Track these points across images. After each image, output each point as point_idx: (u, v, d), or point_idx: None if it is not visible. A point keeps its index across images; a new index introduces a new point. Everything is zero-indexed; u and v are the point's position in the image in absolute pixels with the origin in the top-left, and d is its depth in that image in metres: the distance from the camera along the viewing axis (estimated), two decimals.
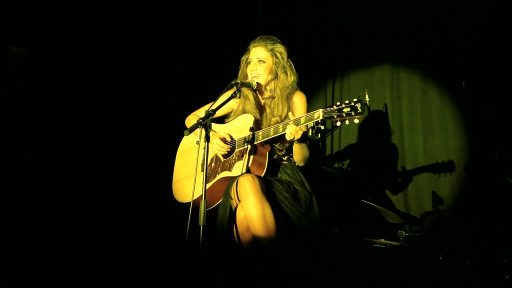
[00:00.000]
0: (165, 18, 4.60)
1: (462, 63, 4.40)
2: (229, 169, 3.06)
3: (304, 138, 2.90)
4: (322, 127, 4.60)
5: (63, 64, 4.12)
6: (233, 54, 3.38)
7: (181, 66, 4.64)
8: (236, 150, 3.08)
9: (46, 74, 4.07)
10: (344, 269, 3.31)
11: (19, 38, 3.92)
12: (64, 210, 3.91)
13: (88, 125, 4.17)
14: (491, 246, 3.51)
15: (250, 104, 3.18)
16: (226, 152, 3.10)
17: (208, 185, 3.08)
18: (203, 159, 2.66)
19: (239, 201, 2.83)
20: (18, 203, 3.75)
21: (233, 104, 3.25)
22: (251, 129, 3.01)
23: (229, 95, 2.96)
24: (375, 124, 4.81)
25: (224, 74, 3.33)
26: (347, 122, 2.67)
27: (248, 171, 2.94)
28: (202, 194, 2.57)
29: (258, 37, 3.22)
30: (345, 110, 2.62)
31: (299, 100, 3.16)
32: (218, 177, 3.10)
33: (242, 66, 3.27)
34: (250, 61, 3.18)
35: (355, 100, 2.62)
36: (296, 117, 2.83)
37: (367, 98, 2.63)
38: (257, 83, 3.13)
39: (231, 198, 2.88)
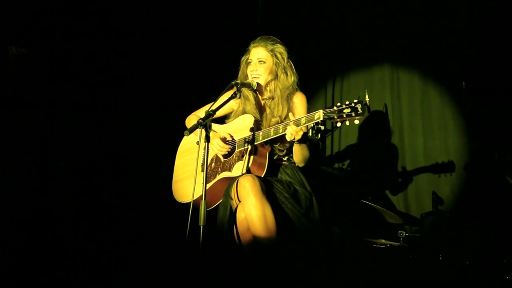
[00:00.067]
0: (165, 18, 4.60)
1: (462, 63, 4.39)
2: (229, 170, 3.06)
3: (304, 139, 2.90)
4: (322, 128, 4.60)
5: (63, 64, 4.11)
6: (234, 54, 3.38)
7: (181, 66, 4.64)
8: (236, 150, 3.08)
9: (46, 74, 4.07)
10: (344, 269, 3.32)
11: (19, 38, 3.92)
12: (64, 210, 3.91)
13: (88, 125, 4.16)
14: (491, 246, 3.51)
15: (250, 105, 3.18)
16: (226, 152, 3.10)
17: (208, 185, 3.07)
18: (203, 159, 2.66)
19: (239, 201, 2.83)
20: (18, 203, 3.75)
21: (233, 104, 3.25)
22: (251, 130, 3.01)
23: (229, 96, 2.96)
24: (375, 124, 4.81)
25: (224, 74, 3.33)
26: (347, 122, 2.67)
27: (248, 171, 2.94)
28: (202, 195, 2.57)
29: (258, 38, 3.21)
30: (345, 111, 2.62)
31: (299, 100, 3.16)
32: (218, 177, 3.10)
33: (242, 66, 3.27)
34: (250, 62, 3.18)
35: (355, 101, 2.62)
36: (297, 118, 2.83)
37: (367, 98, 2.63)
38: (257, 83, 3.13)
39: (231, 199, 2.88)
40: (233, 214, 2.89)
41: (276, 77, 3.17)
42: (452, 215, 3.79)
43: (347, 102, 2.63)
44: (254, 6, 4.97)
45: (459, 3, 4.40)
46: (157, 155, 4.04)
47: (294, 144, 2.95)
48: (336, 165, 4.86)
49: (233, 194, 2.86)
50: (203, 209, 2.52)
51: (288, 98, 3.14)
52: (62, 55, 4.11)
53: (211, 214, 2.98)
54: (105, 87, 4.24)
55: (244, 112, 3.17)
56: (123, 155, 4.25)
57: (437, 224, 3.72)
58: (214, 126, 3.24)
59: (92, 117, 4.19)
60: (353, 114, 2.61)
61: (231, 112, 3.28)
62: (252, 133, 2.99)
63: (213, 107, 2.81)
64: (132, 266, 3.53)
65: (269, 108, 3.15)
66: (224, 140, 3.12)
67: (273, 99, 3.16)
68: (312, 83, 5.05)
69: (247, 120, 3.07)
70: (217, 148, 3.08)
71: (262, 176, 2.95)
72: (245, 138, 3.02)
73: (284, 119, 3.03)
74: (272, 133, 2.91)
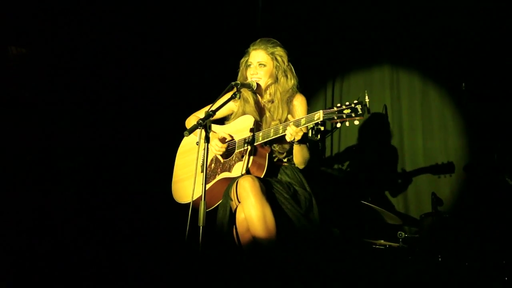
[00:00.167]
0: (165, 18, 4.60)
1: (462, 64, 4.39)
2: (229, 170, 3.06)
3: (304, 140, 2.91)
4: (322, 128, 4.60)
5: (63, 64, 4.11)
6: (234, 55, 3.38)
7: (181, 67, 4.64)
8: (236, 151, 3.08)
9: (46, 74, 4.07)
10: (344, 270, 3.31)
11: (19, 39, 3.92)
12: (64, 210, 3.90)
13: (88, 126, 4.16)
14: (491, 247, 3.51)
15: (250, 107, 3.17)
16: (225, 153, 3.10)
17: (207, 186, 3.07)
18: (203, 159, 2.66)
19: (239, 202, 2.83)
20: (18, 203, 3.75)
21: (233, 106, 3.26)
22: (251, 130, 3.01)
23: (229, 96, 2.96)
24: (375, 125, 4.81)
25: (225, 75, 3.33)
26: (347, 123, 2.67)
27: (247, 172, 2.94)
28: (201, 195, 2.57)
29: (258, 40, 3.20)
30: (345, 111, 2.63)
31: (299, 103, 3.16)
32: (218, 178, 3.10)
33: (241, 68, 3.26)
34: (250, 64, 3.17)
35: (355, 101, 2.62)
36: (297, 119, 2.83)
37: (367, 99, 2.63)
38: (257, 84, 3.12)
39: (231, 200, 2.88)
40: (232, 215, 2.89)
41: (276, 80, 3.17)
42: (452, 216, 3.78)
43: (347, 103, 2.64)
44: (254, 6, 4.97)
45: (459, 4, 4.40)
46: (157, 155, 4.04)
47: (294, 145, 2.95)
48: (336, 166, 4.86)
49: (232, 195, 2.86)
50: (202, 210, 2.53)
51: (288, 101, 3.14)
52: (62, 55, 4.10)
53: (211, 214, 2.99)
54: (105, 87, 4.24)
55: (244, 114, 3.17)
56: (123, 156, 4.25)
57: (436, 225, 3.72)
58: (214, 127, 3.24)
59: (92, 117, 4.19)
60: (353, 115, 2.61)
61: (231, 114, 3.29)
62: (252, 133, 2.99)
63: (213, 108, 2.81)
64: (132, 266, 3.52)
65: (269, 112, 3.15)
66: (223, 140, 3.12)
67: (273, 102, 3.15)
68: (312, 84, 5.06)
69: (247, 121, 3.08)
70: (215, 149, 3.08)
71: (262, 176, 2.95)
72: (245, 139, 3.03)
73: (283, 122, 3.03)
74: (272, 134, 2.91)
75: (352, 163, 4.81)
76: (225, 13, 4.86)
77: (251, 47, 3.21)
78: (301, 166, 3.09)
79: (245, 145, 3.00)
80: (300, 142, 2.89)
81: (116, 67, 4.29)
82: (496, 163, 3.97)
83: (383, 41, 4.85)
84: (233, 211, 2.90)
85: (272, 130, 2.92)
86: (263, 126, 3.09)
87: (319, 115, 2.72)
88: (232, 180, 2.95)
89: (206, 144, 2.63)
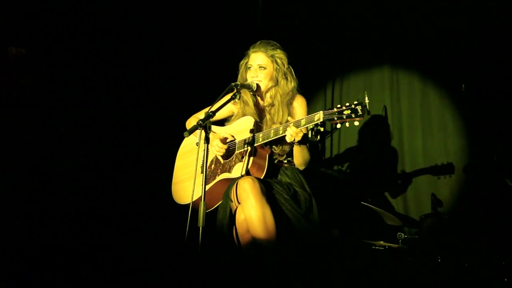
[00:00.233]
0: (166, 19, 4.60)
1: (461, 65, 4.39)
2: (229, 171, 3.06)
3: (304, 140, 2.91)
4: (322, 129, 4.60)
5: (63, 65, 4.11)
6: (234, 55, 3.37)
7: (181, 67, 4.64)
8: (236, 151, 3.08)
9: (46, 75, 4.07)
10: (343, 271, 3.31)
11: (19, 39, 3.91)
12: (63, 210, 3.90)
13: (88, 126, 4.16)
14: (490, 248, 3.51)
15: (250, 109, 3.17)
16: (225, 153, 3.10)
17: (207, 187, 3.07)
18: (203, 160, 2.66)
19: (239, 203, 2.83)
20: (18, 203, 3.74)
21: (233, 108, 3.26)
22: (251, 131, 3.01)
23: (229, 97, 2.96)
24: (375, 126, 4.81)
25: (225, 76, 3.33)
26: (347, 124, 2.67)
27: (247, 173, 2.94)
28: (201, 196, 2.57)
29: (258, 42, 3.19)
30: (345, 112, 2.63)
31: (299, 104, 3.16)
32: (218, 178, 3.10)
33: (241, 70, 3.26)
34: (250, 67, 3.17)
35: (355, 102, 2.62)
36: (297, 119, 2.83)
37: (366, 100, 2.63)
38: (257, 85, 3.12)
39: (231, 200, 2.88)
40: (232, 215, 2.89)
41: (276, 83, 3.16)
42: (451, 217, 3.78)
43: (347, 104, 2.64)
44: (254, 7, 4.97)
45: (458, 5, 4.40)
46: (158, 156, 4.04)
47: (294, 146, 2.95)
48: (336, 167, 4.86)
49: (232, 195, 2.86)
50: (202, 211, 2.53)
51: (288, 103, 3.14)
52: (62, 55, 4.10)
53: (211, 215, 2.99)
54: (105, 88, 4.24)
55: (244, 115, 3.17)
56: (123, 156, 4.25)
57: (436, 226, 3.72)
58: (214, 128, 3.24)
59: (92, 117, 4.19)
60: (353, 116, 2.61)
61: (231, 116, 3.29)
62: (252, 134, 2.99)
63: (213, 109, 2.81)
64: (132, 266, 3.52)
65: (269, 114, 3.15)
66: (224, 141, 3.12)
67: (273, 105, 3.15)
68: (312, 84, 5.06)
69: (247, 122, 3.08)
70: (216, 149, 3.08)
71: (262, 177, 2.95)
72: (245, 140, 3.03)
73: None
74: (272, 135, 2.91)
75: (351, 164, 4.81)
76: (225, 13, 4.86)
77: (251, 50, 3.20)
78: (301, 167, 3.09)
79: (245, 146, 3.00)
80: (300, 143, 2.89)
81: (116, 67, 4.29)
82: (496, 164, 3.97)
83: (383, 42, 4.86)
84: (233, 212, 2.90)
85: (272, 131, 2.92)
86: (264, 128, 3.09)
87: (319, 116, 2.72)
88: (232, 181, 2.95)
89: (206, 145, 2.63)
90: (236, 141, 3.11)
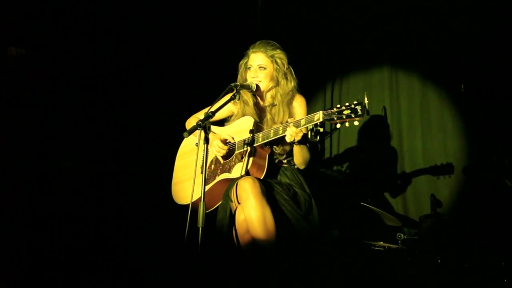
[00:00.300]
0: (166, 19, 4.60)
1: (461, 65, 4.39)
2: (229, 171, 3.06)
3: (304, 140, 2.91)
4: (321, 130, 4.56)
5: (63, 65, 4.11)
6: (234, 56, 3.37)
7: (181, 68, 4.64)
8: (236, 152, 3.08)
9: (46, 75, 4.07)
10: (343, 272, 3.32)
11: (19, 39, 3.91)
12: (63, 210, 3.90)
13: (88, 126, 4.17)
14: (490, 249, 3.51)
15: (250, 109, 3.17)
16: (225, 154, 3.10)
17: (207, 187, 3.08)
18: (202, 161, 2.66)
19: (239, 203, 2.83)
20: (18, 203, 3.75)
21: (233, 108, 3.25)
22: (251, 131, 3.01)
23: (228, 98, 2.96)
24: (374, 126, 4.80)
25: (225, 76, 3.33)
26: (347, 124, 2.68)
27: (247, 173, 2.94)
28: (201, 196, 2.57)
29: (258, 42, 3.19)
30: (345, 112, 2.63)
31: (298, 104, 3.16)
32: (218, 179, 3.10)
33: (240, 70, 3.25)
34: (250, 67, 3.16)
35: (355, 102, 2.62)
36: (296, 119, 2.83)
37: (366, 101, 2.63)
38: (257, 85, 3.12)
39: (231, 201, 2.88)
40: (232, 216, 2.89)
41: (276, 83, 3.16)
42: (451, 218, 3.79)
43: (347, 104, 2.64)
44: (254, 7, 4.97)
45: (458, 5, 4.40)
46: (157, 156, 4.04)
47: (294, 146, 2.96)
48: (335, 167, 4.86)
49: (232, 196, 2.86)
50: (202, 211, 2.53)
51: (288, 103, 3.14)
52: (62, 55, 4.10)
53: (211, 215, 2.99)
54: (104, 88, 4.24)
55: (243, 115, 3.17)
56: (123, 156, 4.25)
57: (435, 226, 3.72)
58: (214, 128, 3.25)
59: (92, 118, 4.19)
60: (353, 116, 2.62)
61: (231, 116, 3.28)
62: (251, 134, 3.00)
63: (212, 109, 2.81)
64: (132, 267, 3.52)
65: (270, 114, 3.15)
66: (224, 141, 3.12)
67: (274, 105, 3.15)
68: (311, 85, 5.05)
69: (247, 122, 3.08)
70: (216, 149, 3.08)
71: (262, 178, 2.95)
72: (244, 140, 3.03)
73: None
74: (272, 135, 2.91)
75: (351, 164, 4.81)
76: (225, 13, 4.86)
77: (251, 50, 3.20)
78: (301, 167, 3.09)
79: (245, 146, 3.00)
80: (300, 143, 2.89)
81: (116, 68, 4.29)
82: (495, 164, 3.97)
83: (382, 42, 4.85)
84: (233, 212, 2.90)
85: (272, 131, 2.92)
86: (264, 127, 3.09)
87: (319, 116, 2.72)
88: (232, 181, 2.95)
89: (205, 145, 2.63)
90: (236, 141, 3.11)
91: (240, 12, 4.91)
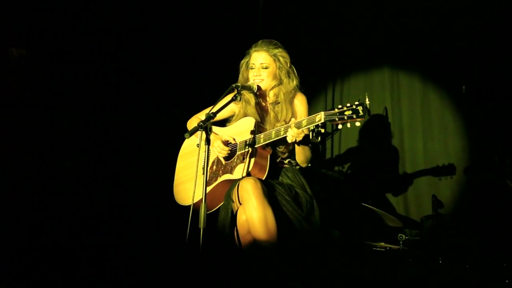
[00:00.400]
0: (166, 19, 4.59)
1: (462, 66, 4.39)
2: (231, 172, 3.05)
3: (305, 141, 2.90)
4: (323, 130, 4.60)
5: (64, 65, 4.11)
6: (235, 56, 3.36)
7: (182, 68, 4.63)
8: (238, 152, 3.07)
9: (47, 75, 4.07)
10: (344, 272, 3.31)
11: (20, 40, 3.91)
12: (64, 211, 3.90)
13: (89, 127, 4.16)
14: (491, 249, 3.51)
15: (251, 109, 3.16)
16: (227, 155, 3.10)
17: (209, 188, 3.08)
18: (204, 161, 2.66)
19: (241, 204, 2.83)
20: (18, 203, 3.74)
21: (235, 108, 3.25)
22: (252, 132, 3.00)
23: (230, 98, 2.95)
24: (375, 127, 4.80)
25: (226, 76, 3.33)
26: (348, 125, 2.67)
27: (249, 174, 2.94)
28: (202, 197, 2.57)
29: (260, 41, 3.19)
30: (346, 113, 2.63)
31: (299, 101, 3.17)
32: (220, 179, 3.09)
33: (242, 70, 3.25)
34: (252, 67, 3.16)
35: (356, 103, 2.62)
36: (298, 120, 2.83)
37: (367, 102, 2.63)
38: (258, 86, 3.12)
39: (233, 201, 2.88)
40: (234, 216, 2.89)
41: (279, 81, 3.16)
42: (452, 219, 3.79)
43: (348, 104, 2.64)
44: (255, 8, 4.97)
45: (459, 6, 4.40)
46: (159, 157, 4.03)
47: (296, 145, 2.95)
48: (336, 168, 4.86)
49: (234, 196, 2.86)
50: (203, 212, 2.52)
51: (291, 101, 3.14)
52: (63, 56, 4.10)
53: (213, 216, 2.99)
54: (105, 89, 4.24)
55: (245, 115, 3.16)
56: (124, 157, 4.25)
57: (437, 227, 3.72)
58: (215, 128, 3.24)
59: (93, 118, 4.19)
60: (354, 116, 2.61)
61: (232, 116, 3.28)
62: (253, 135, 2.99)
63: (213, 110, 2.80)
64: (133, 267, 3.52)
65: (273, 112, 3.14)
66: (225, 142, 3.12)
67: (277, 103, 3.15)
68: (312, 85, 5.04)
69: (248, 123, 3.07)
70: (218, 150, 3.08)
71: (263, 178, 2.94)
72: (246, 141, 3.02)
73: (287, 123, 3.02)
74: (273, 136, 2.91)
75: (352, 165, 4.81)
76: (226, 13, 4.86)
77: (253, 49, 3.19)
78: (303, 165, 3.09)
79: (247, 147, 3.00)
80: (301, 143, 2.89)
81: (117, 68, 4.29)
82: (497, 165, 3.97)
83: (383, 43, 4.85)
84: (234, 213, 2.89)
85: (273, 132, 2.92)
86: (267, 127, 3.09)
87: (320, 117, 2.71)
88: (233, 182, 2.94)
89: (206, 146, 2.63)
90: (238, 142, 3.10)
91: (241, 12, 4.91)
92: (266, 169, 2.96)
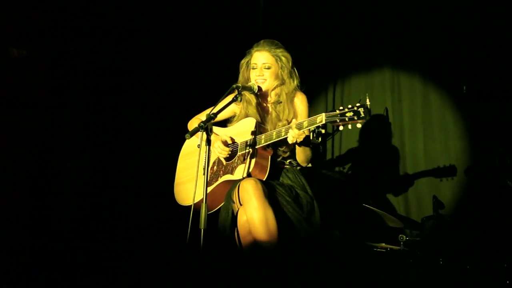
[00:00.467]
0: (167, 19, 4.59)
1: (463, 66, 4.39)
2: (231, 172, 3.05)
3: (306, 142, 2.90)
4: (323, 131, 4.58)
5: (64, 66, 4.11)
6: (236, 56, 3.36)
7: (183, 68, 4.63)
8: (239, 153, 3.07)
9: (47, 76, 4.07)
10: (345, 273, 3.31)
11: (20, 40, 3.91)
12: (64, 211, 3.90)
13: (90, 127, 4.16)
14: (492, 250, 3.51)
15: (253, 109, 3.16)
16: (228, 155, 3.09)
17: (209, 188, 3.08)
18: (205, 162, 2.66)
19: (241, 204, 2.83)
20: (18, 204, 3.74)
21: (236, 108, 3.25)
22: (253, 133, 3.00)
23: (231, 99, 2.95)
24: (376, 127, 4.80)
25: (227, 76, 3.33)
26: (349, 126, 2.67)
27: (249, 174, 2.94)
28: (203, 198, 2.57)
29: (262, 41, 3.19)
30: (347, 114, 2.62)
31: (300, 101, 3.17)
32: (220, 180, 3.09)
33: (242, 70, 3.24)
34: (254, 67, 3.15)
35: (358, 104, 2.61)
36: (299, 121, 2.83)
37: (368, 102, 2.62)
38: (259, 87, 3.11)
39: (233, 202, 2.88)
40: (234, 217, 2.89)
41: (282, 81, 3.16)
42: (453, 219, 3.78)
43: (350, 106, 2.63)
44: (256, 9, 4.97)
45: (459, 6, 4.40)
46: (160, 157, 4.03)
47: (297, 146, 2.95)
48: (337, 169, 4.85)
49: (235, 197, 2.86)
50: (203, 212, 2.52)
51: (292, 101, 3.14)
52: (63, 56, 4.10)
53: (213, 217, 2.99)
54: (106, 89, 4.24)
55: (246, 116, 3.16)
56: (125, 157, 4.25)
57: (438, 228, 3.72)
58: (216, 129, 3.24)
59: (94, 118, 4.19)
60: (356, 118, 2.60)
61: (233, 116, 3.28)
62: (254, 136, 2.99)
63: (214, 110, 2.80)
64: (133, 267, 3.52)
65: (275, 112, 3.14)
66: (226, 143, 3.12)
67: (279, 103, 3.15)
68: (313, 86, 5.03)
69: (249, 123, 3.07)
70: (219, 151, 3.08)
71: (264, 179, 2.94)
72: (247, 141, 3.02)
73: (289, 123, 3.02)
74: (274, 136, 2.91)
75: (353, 165, 4.81)
76: (226, 14, 4.86)
77: (254, 48, 3.19)
78: (303, 164, 3.09)
79: (248, 147, 3.00)
80: (302, 144, 2.89)
81: (117, 68, 4.29)
82: (498, 166, 3.97)
83: (383, 43, 4.85)
84: (235, 214, 2.89)
85: (274, 132, 2.92)
86: (268, 127, 3.09)
87: (321, 118, 2.71)
88: (234, 183, 2.94)
89: (207, 146, 2.63)
90: (238, 142, 3.10)
91: (241, 12, 4.91)
92: (267, 170, 2.96)
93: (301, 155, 3.02)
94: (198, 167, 2.94)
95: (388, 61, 4.90)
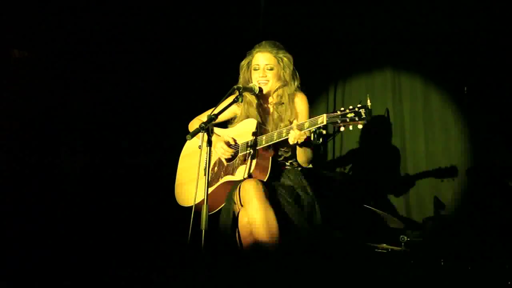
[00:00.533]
0: (167, 20, 4.60)
1: (464, 67, 4.39)
2: (232, 173, 3.05)
3: (307, 143, 2.90)
4: (324, 132, 4.57)
5: (66, 67, 4.12)
6: (237, 57, 3.36)
7: (184, 69, 4.64)
8: (240, 154, 3.08)
9: (48, 76, 4.07)
10: (346, 274, 3.31)
11: (22, 42, 3.92)
12: (65, 212, 3.90)
13: (90, 127, 4.17)
14: (493, 251, 3.50)
15: (254, 110, 3.16)
16: (230, 156, 3.10)
17: (210, 189, 3.07)
18: (206, 163, 2.66)
19: (242, 206, 2.83)
20: (18, 204, 3.75)
21: (237, 109, 3.25)
22: (254, 134, 3.01)
23: (231, 100, 2.95)
24: (377, 128, 4.80)
25: (228, 77, 3.33)
26: (350, 127, 2.66)
27: (250, 175, 2.94)
28: (204, 198, 2.57)
29: (263, 42, 3.19)
30: (349, 115, 2.62)
31: (300, 100, 3.17)
32: (221, 181, 3.09)
33: (243, 71, 3.24)
34: (256, 68, 3.15)
35: (359, 105, 2.61)
36: (300, 122, 2.83)
37: (368, 103, 2.62)
38: (260, 88, 3.11)
39: (234, 203, 2.88)
40: (235, 218, 2.89)
41: (284, 82, 3.16)
42: (454, 220, 3.78)
43: (351, 107, 2.63)
44: (256, 10, 4.97)
45: (460, 7, 4.40)
46: (160, 158, 4.04)
47: (297, 147, 2.96)
48: (338, 170, 4.85)
49: (236, 198, 2.86)
50: (204, 213, 2.52)
51: (293, 101, 3.14)
52: (64, 57, 4.11)
53: (214, 218, 2.98)
54: (107, 90, 4.24)
55: (247, 117, 3.17)
56: (125, 158, 4.25)
57: (439, 228, 3.72)
58: (217, 130, 3.24)
59: (94, 119, 4.20)
60: (357, 119, 2.60)
61: (234, 117, 3.28)
62: (255, 137, 2.99)
63: (215, 111, 2.81)
64: (133, 269, 3.52)
65: (277, 112, 3.15)
66: (228, 144, 3.12)
67: (282, 104, 3.15)
68: (314, 87, 5.03)
69: (251, 124, 3.07)
70: (221, 152, 3.08)
71: (265, 180, 2.94)
72: (248, 142, 3.02)
73: (291, 123, 3.02)
74: (275, 137, 2.91)
75: (354, 166, 4.80)
76: (227, 14, 4.86)
77: (256, 49, 3.18)
78: (304, 165, 3.09)
79: (249, 148, 3.00)
80: (303, 145, 2.89)
81: (119, 70, 4.29)
82: (499, 166, 3.97)
83: (384, 44, 4.85)
84: (236, 215, 2.89)
85: (275, 133, 2.92)
86: (269, 128, 3.09)
87: (322, 119, 2.71)
88: (235, 183, 2.94)
89: (208, 147, 2.63)
90: (240, 143, 3.11)
91: (242, 13, 4.91)
92: (267, 171, 2.96)
93: (302, 156, 3.02)
94: (199, 168, 2.95)
95: (389, 61, 4.89)
